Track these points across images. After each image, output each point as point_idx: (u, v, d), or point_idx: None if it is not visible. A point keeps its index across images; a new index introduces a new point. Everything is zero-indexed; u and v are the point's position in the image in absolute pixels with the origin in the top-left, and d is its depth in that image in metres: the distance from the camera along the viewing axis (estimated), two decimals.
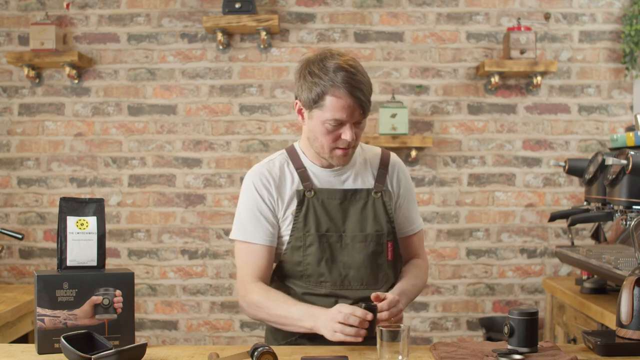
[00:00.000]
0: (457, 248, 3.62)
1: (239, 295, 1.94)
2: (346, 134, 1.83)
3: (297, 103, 1.91)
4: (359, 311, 1.70)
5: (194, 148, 3.62)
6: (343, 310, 1.71)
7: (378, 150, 2.05)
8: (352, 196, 1.95)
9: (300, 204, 1.93)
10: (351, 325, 1.69)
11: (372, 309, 1.71)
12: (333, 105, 1.80)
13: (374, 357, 1.66)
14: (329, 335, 1.73)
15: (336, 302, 1.88)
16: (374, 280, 1.94)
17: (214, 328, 3.61)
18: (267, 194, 1.94)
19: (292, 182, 1.95)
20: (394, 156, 2.05)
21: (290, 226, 1.93)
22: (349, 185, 1.96)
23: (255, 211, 1.94)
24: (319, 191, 1.94)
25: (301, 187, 1.94)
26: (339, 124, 1.83)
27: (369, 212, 1.95)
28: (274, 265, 2.00)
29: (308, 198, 1.93)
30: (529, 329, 1.67)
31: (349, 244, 1.93)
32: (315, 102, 1.83)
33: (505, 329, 1.69)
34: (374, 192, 1.96)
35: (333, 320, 1.71)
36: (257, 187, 1.95)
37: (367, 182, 1.98)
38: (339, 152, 1.88)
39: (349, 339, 1.69)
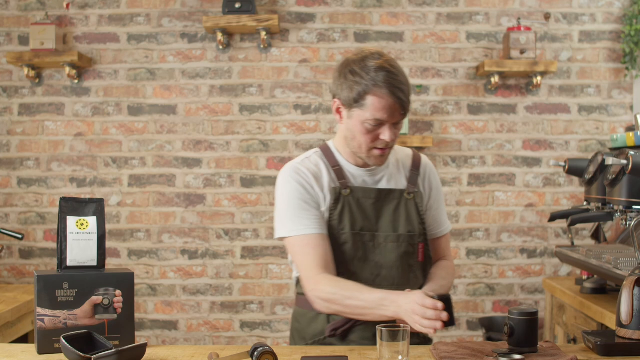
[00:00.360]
0: (457, 248, 3.62)
1: (307, 289, 1.88)
2: (385, 134, 1.83)
3: (335, 102, 1.90)
4: (428, 302, 1.65)
5: (194, 148, 3.62)
6: (419, 302, 1.67)
7: (409, 151, 2.05)
8: (386, 196, 1.95)
9: (336, 201, 1.91)
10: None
11: (443, 299, 1.68)
12: (374, 105, 1.80)
13: (374, 357, 1.67)
14: (412, 325, 1.70)
15: None
16: (405, 281, 1.93)
17: (214, 328, 3.61)
18: (308, 186, 1.92)
19: (328, 179, 1.94)
20: (424, 158, 2.06)
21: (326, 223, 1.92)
22: (383, 185, 1.96)
23: (301, 202, 1.90)
24: (354, 189, 1.93)
25: (337, 185, 1.93)
26: (379, 124, 1.83)
27: (402, 213, 1.94)
28: None
29: (344, 196, 1.92)
30: (529, 329, 1.67)
31: (382, 244, 1.92)
32: (355, 102, 1.83)
33: (505, 329, 1.69)
34: (406, 193, 1.97)
35: (413, 313, 1.68)
36: (297, 180, 1.92)
37: (400, 183, 1.98)
38: (376, 152, 1.87)
39: (425, 330, 1.67)
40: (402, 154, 2.04)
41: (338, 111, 1.91)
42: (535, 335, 1.68)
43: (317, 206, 1.91)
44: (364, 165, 1.95)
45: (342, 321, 1.89)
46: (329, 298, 1.82)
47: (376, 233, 1.93)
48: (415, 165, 2.02)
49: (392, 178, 1.98)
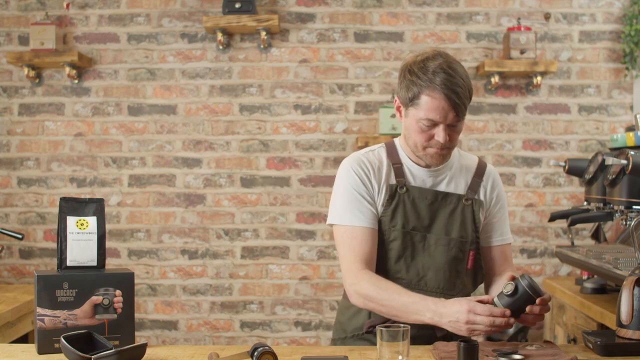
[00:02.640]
0: None
1: (347, 283, 1.89)
2: (439, 135, 1.84)
3: (396, 100, 1.93)
4: (498, 319, 1.66)
5: (194, 148, 3.62)
6: (481, 316, 1.67)
7: (475, 158, 2.06)
8: (442, 199, 1.95)
9: (391, 198, 1.93)
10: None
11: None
12: (428, 105, 1.81)
13: (374, 357, 1.66)
14: (455, 331, 1.71)
15: None
16: (451, 286, 1.93)
17: (214, 328, 3.61)
18: (366, 179, 1.94)
19: (387, 175, 1.95)
20: (490, 166, 2.06)
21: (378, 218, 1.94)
22: (442, 187, 1.96)
23: (356, 194, 1.92)
24: (411, 189, 1.94)
25: (394, 182, 1.94)
26: (433, 124, 1.83)
27: (457, 218, 1.94)
28: None
29: (400, 194, 1.93)
30: (526, 303, 1.67)
31: (432, 246, 1.92)
32: (411, 101, 1.85)
33: (510, 287, 1.67)
34: (464, 199, 1.96)
35: (468, 322, 1.68)
36: (357, 171, 1.94)
37: (460, 188, 1.98)
38: (432, 150, 1.88)
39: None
40: (468, 160, 2.04)
41: (398, 109, 1.94)
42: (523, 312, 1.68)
43: (372, 200, 1.93)
44: (427, 165, 1.95)
45: (380, 319, 1.89)
46: (368, 295, 1.83)
47: (427, 234, 1.93)
48: (479, 172, 2.01)
49: (453, 182, 1.98)
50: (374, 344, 1.85)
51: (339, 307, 2.08)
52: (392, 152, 1.99)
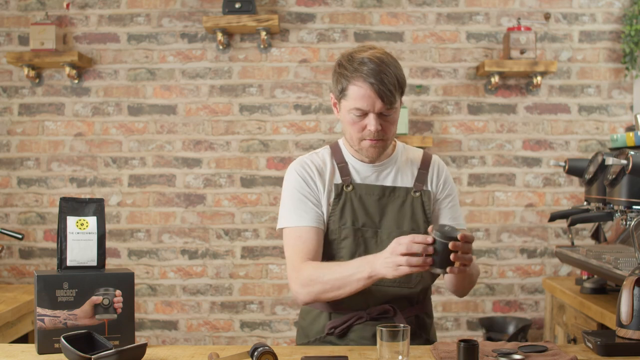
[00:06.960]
0: None
1: (291, 279, 1.89)
2: (371, 124, 1.85)
3: (332, 97, 1.95)
4: (418, 237, 1.64)
5: (194, 148, 3.62)
6: (403, 241, 1.65)
7: (420, 151, 2.08)
8: (390, 193, 1.96)
9: (338, 197, 1.94)
10: (416, 255, 1.63)
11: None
12: (355, 95, 1.84)
13: (374, 357, 1.67)
14: (392, 272, 1.67)
15: (367, 298, 1.87)
16: (407, 279, 1.92)
17: (214, 328, 3.61)
18: (310, 180, 1.96)
19: (332, 175, 1.97)
20: (435, 157, 2.07)
21: (327, 218, 1.95)
22: (389, 182, 1.98)
23: (300, 196, 1.94)
24: (357, 186, 1.95)
25: (340, 181, 1.96)
26: (363, 113, 1.85)
27: (407, 211, 1.95)
28: None
29: (346, 192, 1.95)
30: (449, 252, 1.63)
31: (385, 241, 1.92)
32: (341, 93, 1.88)
33: (431, 248, 1.62)
34: (413, 192, 1.97)
35: (394, 253, 1.65)
36: (301, 173, 1.96)
37: (407, 181, 1.99)
38: (366, 143, 1.89)
39: (415, 269, 1.64)
40: (412, 153, 2.05)
41: (335, 105, 1.96)
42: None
43: (316, 201, 1.94)
44: (371, 161, 1.97)
45: (341, 320, 1.91)
46: (310, 279, 1.82)
47: (378, 230, 1.94)
48: (425, 164, 2.03)
49: (399, 176, 1.99)
50: (337, 345, 1.85)
51: (300, 312, 2.08)
52: (336, 152, 2.01)
